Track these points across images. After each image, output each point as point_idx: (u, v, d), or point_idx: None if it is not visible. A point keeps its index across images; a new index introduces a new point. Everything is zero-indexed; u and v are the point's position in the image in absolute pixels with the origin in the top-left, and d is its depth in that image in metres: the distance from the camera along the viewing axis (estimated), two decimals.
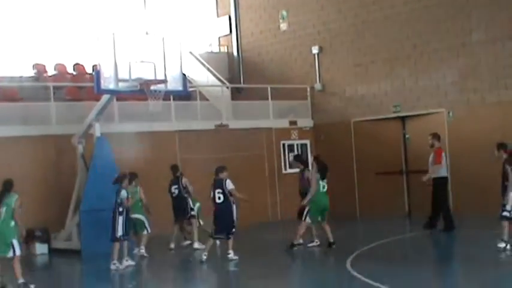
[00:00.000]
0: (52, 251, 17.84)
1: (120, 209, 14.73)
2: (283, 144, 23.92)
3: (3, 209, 12.59)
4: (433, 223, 17.40)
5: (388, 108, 22.32)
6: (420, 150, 20.04)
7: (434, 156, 17.32)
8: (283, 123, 23.94)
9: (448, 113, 20.78)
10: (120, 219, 14.77)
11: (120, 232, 14.80)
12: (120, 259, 14.70)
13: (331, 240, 15.47)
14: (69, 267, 16.77)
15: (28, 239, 17.92)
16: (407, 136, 22.32)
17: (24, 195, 17.08)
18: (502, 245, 13.35)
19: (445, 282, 12.18)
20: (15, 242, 12.57)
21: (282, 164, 23.71)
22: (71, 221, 17.73)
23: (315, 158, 16.37)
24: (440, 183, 17.28)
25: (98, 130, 17.70)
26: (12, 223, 12.71)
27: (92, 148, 17.85)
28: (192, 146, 20.02)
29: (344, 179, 22.69)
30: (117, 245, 14.72)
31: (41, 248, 17.89)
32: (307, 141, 24.35)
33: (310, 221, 15.45)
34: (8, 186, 12.86)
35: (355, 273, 12.57)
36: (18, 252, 12.68)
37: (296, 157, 16.60)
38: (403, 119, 22.40)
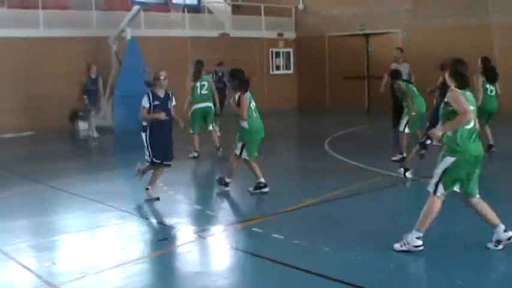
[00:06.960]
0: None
1: None
2: (272, 51, 24.84)
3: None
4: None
5: (356, 27, 23.02)
6: (379, 60, 20.70)
7: (410, 66, 16.16)
8: (272, 35, 24.65)
9: (403, 33, 21.65)
10: None
11: None
12: None
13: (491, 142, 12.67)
14: (104, 139, 17.37)
15: (73, 117, 19.23)
16: (369, 49, 22.83)
17: (72, 83, 17.89)
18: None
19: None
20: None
21: (270, 66, 24.67)
22: (106, 103, 18.61)
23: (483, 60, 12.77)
24: None
25: (129, 34, 18.52)
26: None
27: (124, 48, 18.51)
28: (201, 50, 19.55)
29: (318, 81, 23.52)
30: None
31: (82, 125, 18.82)
32: (291, 50, 25.31)
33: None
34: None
35: (332, 152, 12.98)
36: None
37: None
38: (367, 35, 23.06)
